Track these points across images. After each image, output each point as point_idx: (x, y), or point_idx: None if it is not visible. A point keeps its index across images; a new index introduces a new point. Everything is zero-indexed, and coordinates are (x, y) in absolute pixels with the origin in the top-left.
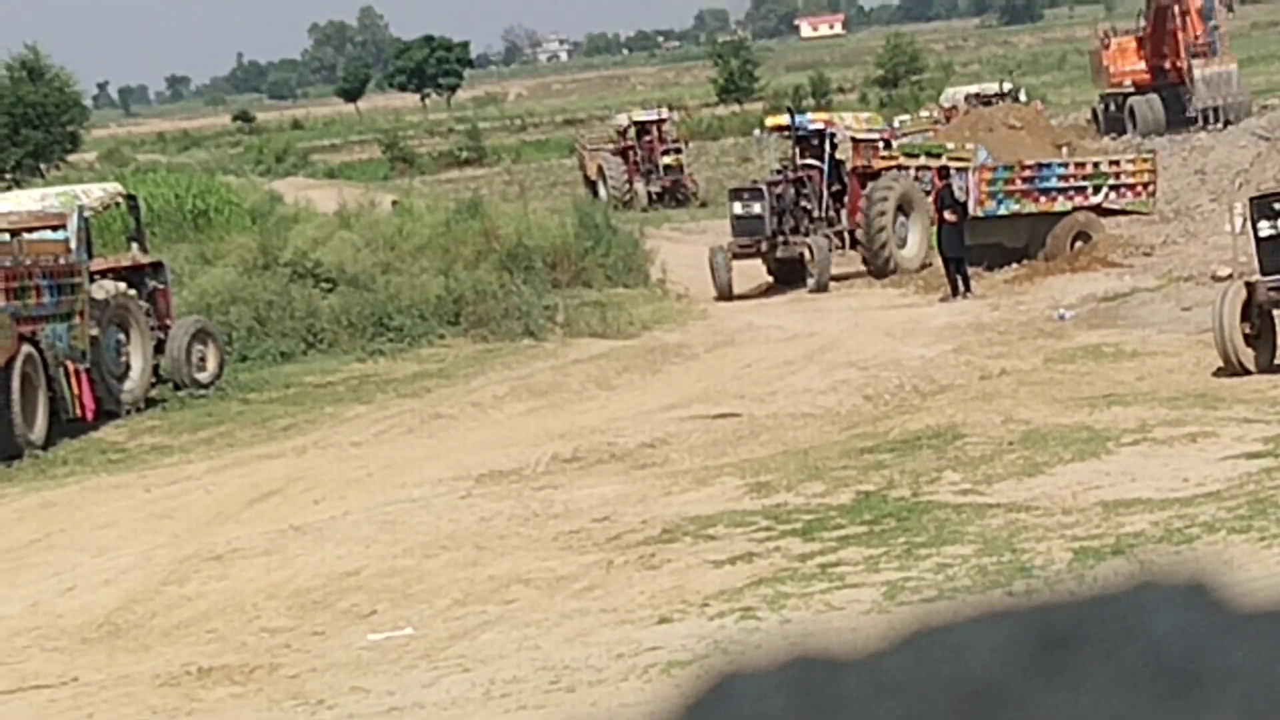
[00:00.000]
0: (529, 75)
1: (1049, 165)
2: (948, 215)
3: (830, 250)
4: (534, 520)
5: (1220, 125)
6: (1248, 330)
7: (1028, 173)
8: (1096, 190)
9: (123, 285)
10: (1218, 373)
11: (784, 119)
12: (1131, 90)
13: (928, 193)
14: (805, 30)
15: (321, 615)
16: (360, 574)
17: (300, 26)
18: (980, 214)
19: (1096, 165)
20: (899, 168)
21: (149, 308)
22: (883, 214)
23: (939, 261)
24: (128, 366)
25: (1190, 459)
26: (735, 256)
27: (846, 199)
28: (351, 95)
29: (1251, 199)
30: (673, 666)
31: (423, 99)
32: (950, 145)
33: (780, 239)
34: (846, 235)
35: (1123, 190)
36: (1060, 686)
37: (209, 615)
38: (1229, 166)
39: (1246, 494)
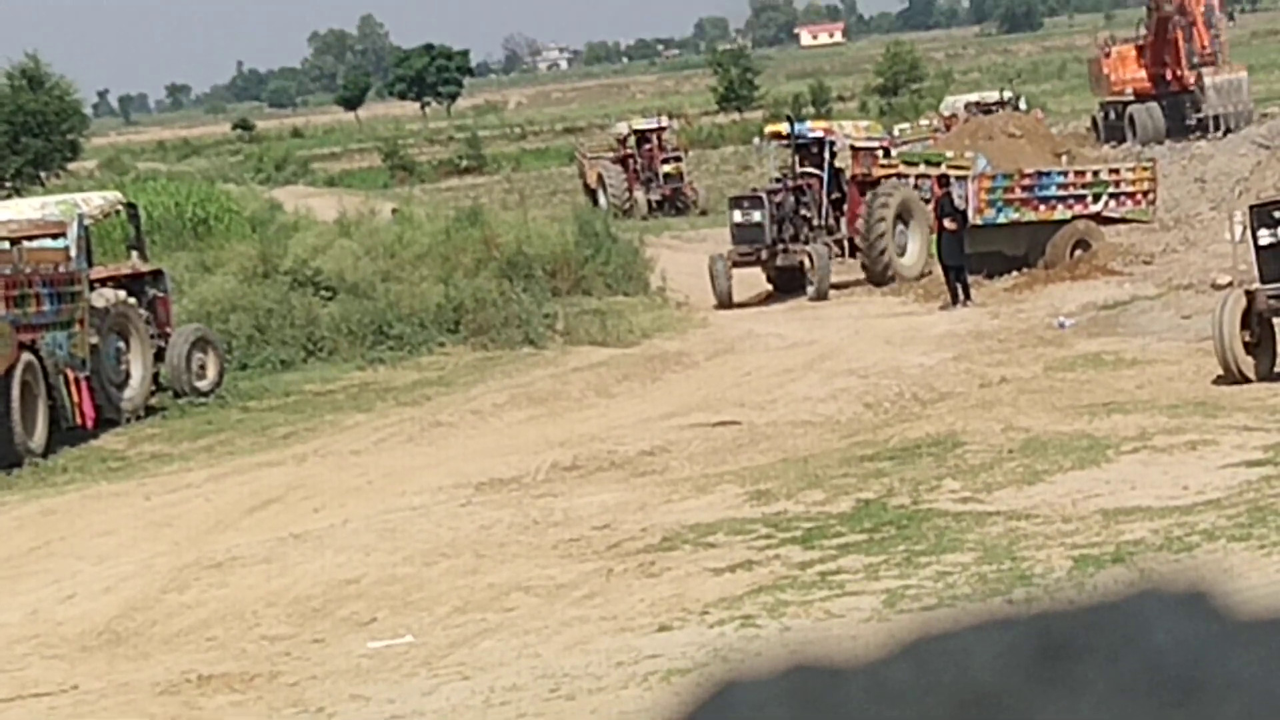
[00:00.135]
0: (529, 83)
1: (1048, 174)
2: (947, 223)
3: (830, 258)
4: (534, 528)
5: (1220, 133)
6: (1247, 338)
7: (1027, 181)
8: (1096, 199)
9: (123, 293)
10: (1218, 381)
11: (784, 127)
12: (1132, 98)
13: (927, 201)
14: (805, 39)
15: (321, 623)
16: (360, 582)
17: (300, 35)
18: (980, 222)
19: (1096, 174)
20: (898, 176)
21: (149, 316)
22: (882, 222)
23: (939, 270)
24: (128, 374)
25: (1190, 467)
26: (735, 264)
27: (846, 207)
28: (351, 103)
29: (1251, 207)
30: (673, 674)
31: (423, 107)
32: (949, 153)
33: (780, 247)
34: (846, 243)
35: (1122, 198)
36: (1060, 695)
37: (209, 623)
38: (1229, 175)
39: (1246, 502)
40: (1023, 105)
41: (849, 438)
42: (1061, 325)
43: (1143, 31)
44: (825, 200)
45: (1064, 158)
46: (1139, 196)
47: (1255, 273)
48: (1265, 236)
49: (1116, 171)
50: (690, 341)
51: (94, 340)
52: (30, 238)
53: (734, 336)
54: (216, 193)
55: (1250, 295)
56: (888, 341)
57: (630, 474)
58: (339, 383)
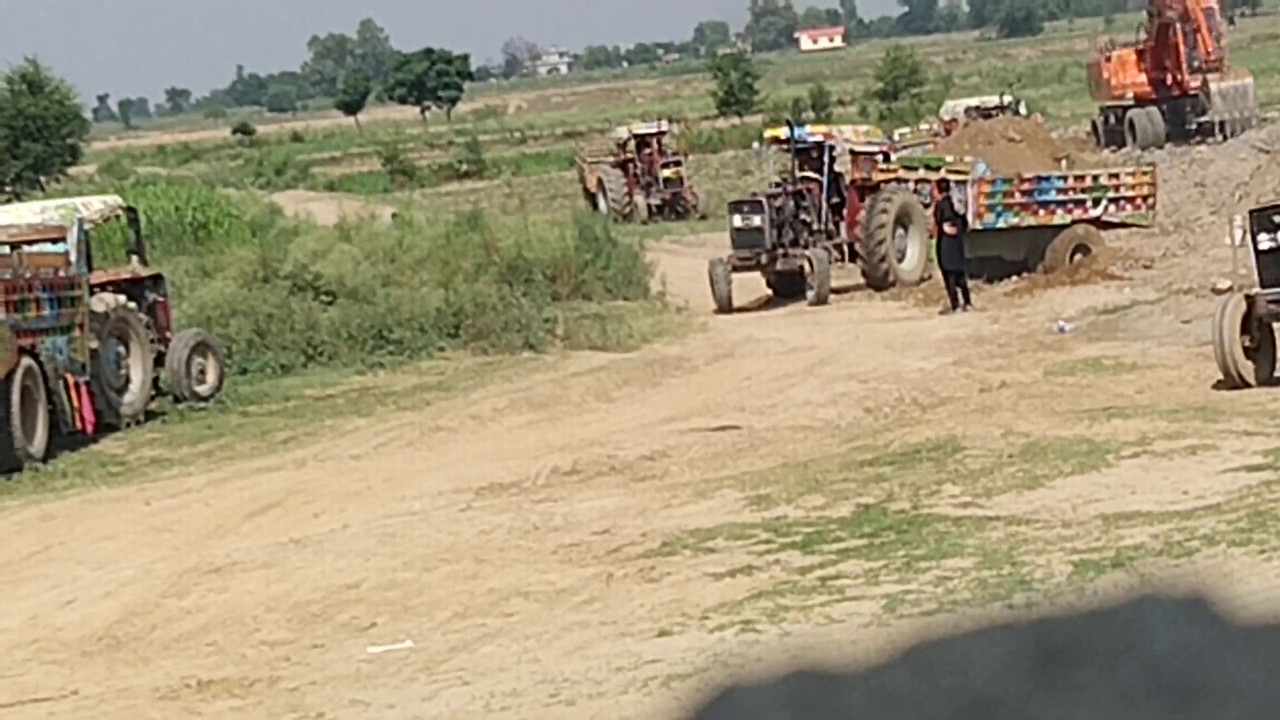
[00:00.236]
0: (529, 88)
1: (1048, 178)
2: (947, 228)
3: (829, 263)
4: (534, 533)
5: (1220, 138)
6: (1247, 343)
7: (1027, 186)
8: (1096, 203)
9: (123, 298)
10: (1217, 385)
11: (783, 132)
12: (1132, 103)
13: (927, 206)
14: (805, 43)
15: (321, 628)
16: (360, 587)
17: (300, 39)
18: (979, 227)
19: (1096, 178)
20: (898, 180)
21: (149, 320)
22: (882, 227)
23: (938, 274)
24: (127, 379)
25: (1190, 472)
26: (735, 269)
27: (845, 212)
28: (351, 108)
29: (1251, 212)
30: (673, 679)
31: (423, 111)
32: (949, 158)
33: (780, 252)
34: (846, 248)
35: (1122, 203)
36: (1060, 701)
37: (209, 628)
38: (1229, 179)
39: (1246, 507)
40: (1023, 110)
41: (849, 442)
42: (1061, 330)
43: (1143, 36)
44: (825, 205)
45: (1063, 162)
46: (1139, 201)
47: (1255, 277)
48: (1265, 241)
49: (1116, 176)
50: (690, 346)
51: (94, 345)
52: (30, 242)
53: (734, 341)
54: (216, 197)
55: (1250, 300)
56: (888, 346)
57: (630, 479)
58: (339, 387)
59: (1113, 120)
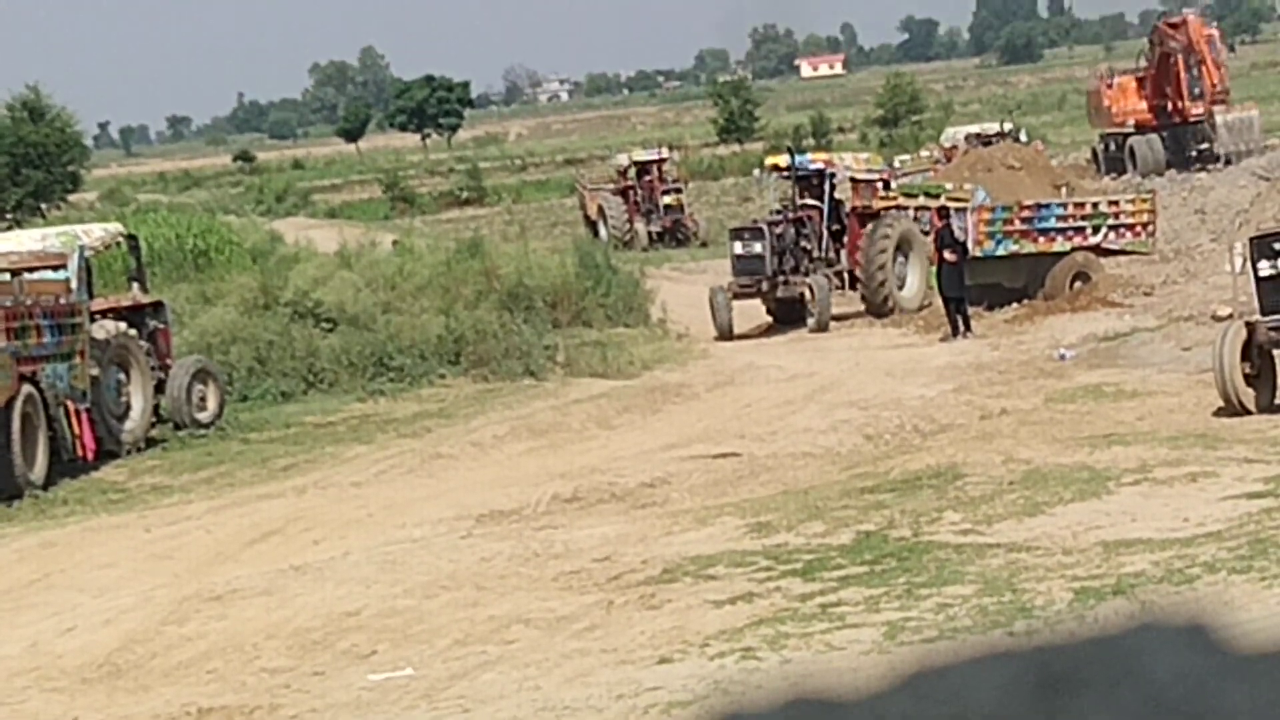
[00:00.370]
0: (529, 115)
1: (1048, 205)
2: (947, 255)
3: (830, 290)
4: (534, 560)
5: (1221, 165)
6: (1248, 370)
7: (1026, 213)
8: (1095, 230)
9: (123, 325)
10: (1218, 412)
11: (784, 159)
12: (1132, 130)
13: (927, 233)
14: (805, 70)
15: (321, 655)
16: (360, 614)
17: (301, 66)
18: (979, 254)
19: (1095, 205)
20: (898, 208)
21: (149, 347)
22: (883, 254)
23: (939, 301)
24: (128, 406)
25: (1191, 499)
26: (736, 296)
27: (846, 239)
28: (352, 135)
29: (1251, 239)
30: (674, 707)
31: (423, 139)
32: (949, 185)
33: (780, 279)
34: (846, 275)
35: (1122, 230)
36: None
37: (209, 655)
38: (1229, 206)
39: (1247, 534)
40: (1023, 137)
41: (849, 470)
42: (1062, 357)
43: (1143, 63)
44: (825, 232)
45: (1063, 189)
46: (1139, 228)
47: (1255, 304)
48: (1265, 268)
49: (1116, 203)
50: (691, 373)
51: (94, 372)
52: (31, 269)
53: (734, 368)
54: (217, 224)
55: (1250, 327)
56: (888, 373)
57: (631, 506)
58: (339, 414)
59: (1113, 147)
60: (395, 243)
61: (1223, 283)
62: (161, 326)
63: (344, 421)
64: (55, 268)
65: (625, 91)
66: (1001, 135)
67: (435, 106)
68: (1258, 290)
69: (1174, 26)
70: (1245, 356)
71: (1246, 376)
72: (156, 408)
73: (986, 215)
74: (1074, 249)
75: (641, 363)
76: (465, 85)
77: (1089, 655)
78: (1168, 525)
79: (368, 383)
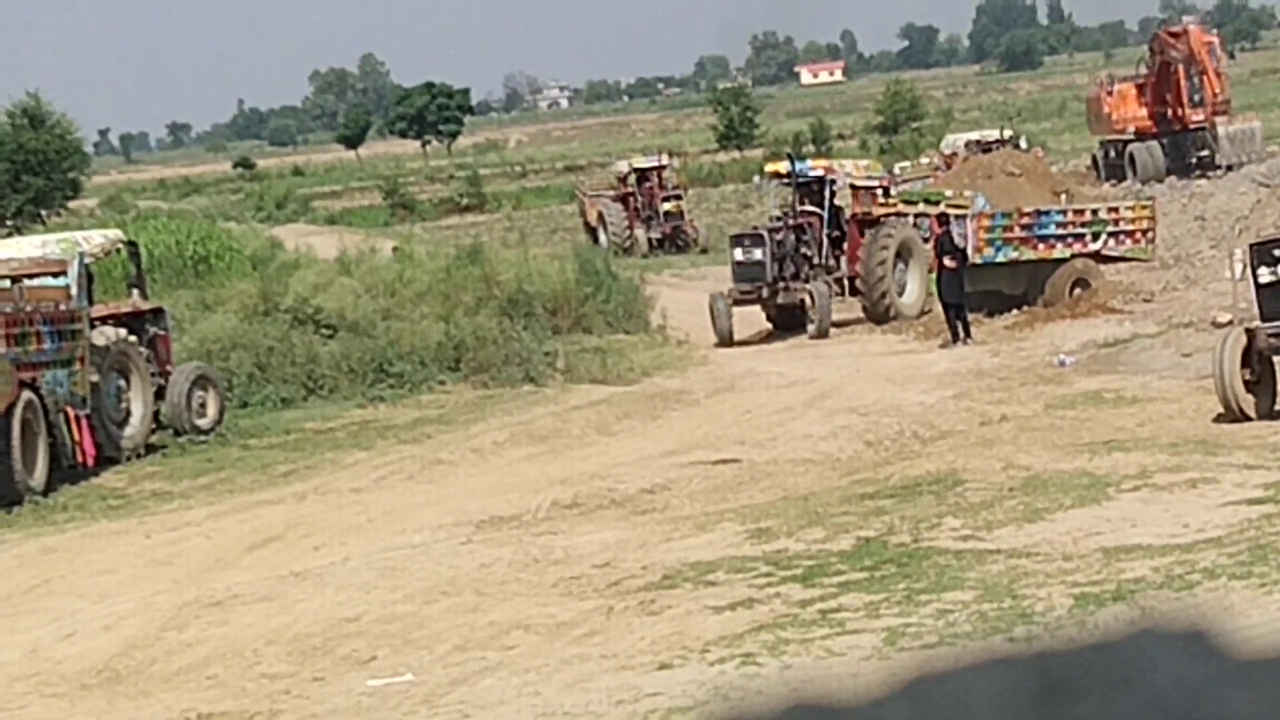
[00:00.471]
0: (530, 122)
1: (1047, 212)
2: (947, 262)
3: (830, 296)
4: (534, 566)
5: (1221, 172)
6: (1248, 376)
7: (1026, 220)
8: (1095, 237)
9: (123, 331)
10: (1218, 419)
11: (784, 166)
12: (1132, 137)
13: (926, 240)
14: (805, 77)
15: (321, 661)
16: (360, 620)
17: (301, 73)
18: (979, 261)
19: (1095, 212)
20: (898, 215)
21: (149, 354)
22: (883, 262)
23: (938, 308)
24: (128, 413)
25: (1191, 505)
26: (736, 303)
27: (846, 246)
28: (352, 142)
29: (1251, 245)
30: (674, 713)
31: (423, 145)
32: (949, 192)
33: (781, 285)
34: (846, 282)
35: (1121, 237)
36: None
37: (209, 661)
38: (1229, 213)
39: (1247, 540)
40: (1023, 144)
41: (849, 475)
42: (1062, 363)
43: (1143, 70)
44: (825, 239)
45: (1063, 196)
46: (1138, 235)
47: (1255, 311)
48: (1265, 274)
49: (1115, 210)
50: (691, 379)
51: (94, 378)
52: (31, 276)
53: (734, 374)
54: (217, 231)
55: (1250, 333)
56: (888, 379)
57: (631, 512)
58: (339, 421)
59: (1113, 154)
60: (395, 249)
61: (1223, 289)
62: (162, 333)
63: (344, 428)
64: (55, 274)
65: (625, 98)
66: (1001, 142)
67: (435, 113)
68: (1258, 297)
69: (1175, 35)
70: (1245, 363)
71: (1246, 383)
72: (157, 414)
73: (986, 222)
74: (1074, 256)
75: (641, 369)
76: (465, 92)
77: (1089, 661)
78: (1168, 531)
79: (368, 389)
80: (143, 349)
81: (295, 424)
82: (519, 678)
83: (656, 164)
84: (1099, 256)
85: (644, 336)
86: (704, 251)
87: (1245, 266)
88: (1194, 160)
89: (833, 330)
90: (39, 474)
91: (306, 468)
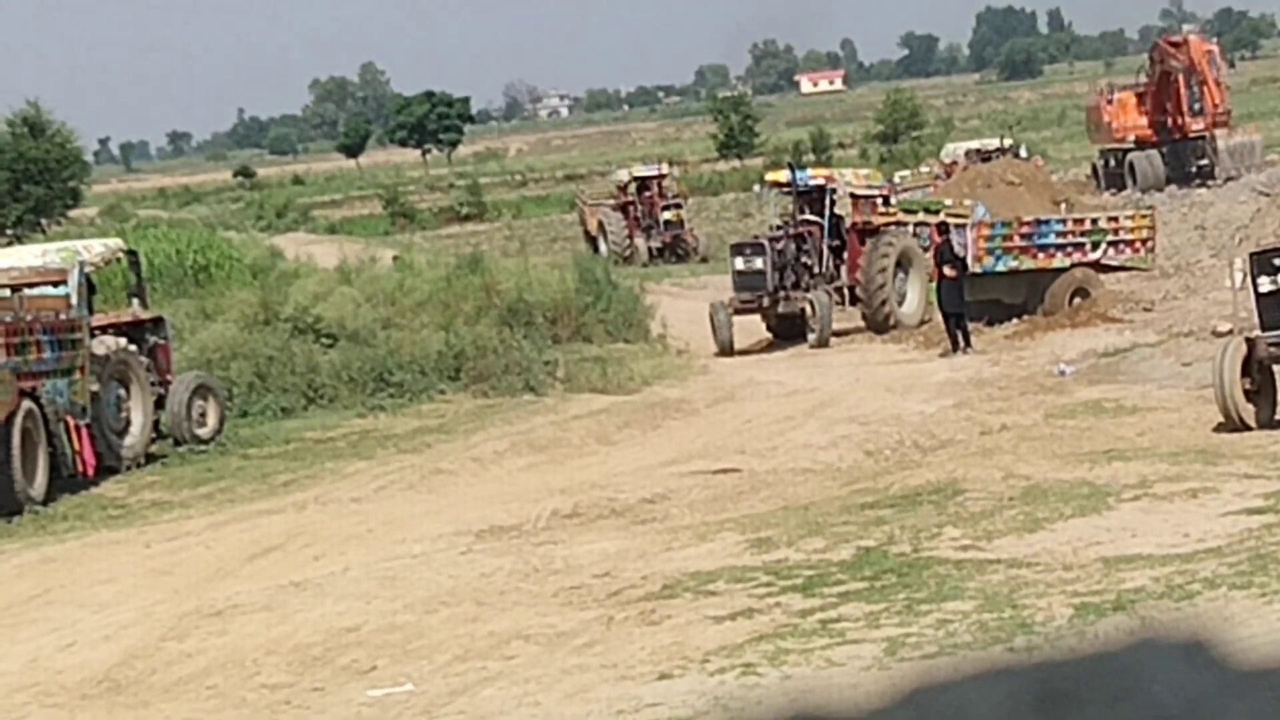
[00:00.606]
0: (530, 130)
1: (1047, 222)
2: (947, 270)
3: (831, 305)
4: (534, 576)
5: (1220, 181)
6: (1248, 386)
7: (1026, 229)
8: (1095, 246)
9: (123, 341)
10: (1218, 428)
11: (784, 174)
12: (1132, 146)
13: (926, 249)
14: (805, 86)
15: (321, 671)
16: (360, 630)
17: (301, 82)
18: (979, 270)
19: (1095, 221)
20: (898, 224)
21: (149, 363)
22: (883, 270)
23: (939, 317)
24: (128, 422)
25: (1191, 514)
26: (736, 312)
27: (846, 255)
28: (352, 151)
29: (1251, 254)
30: None
31: (424, 154)
32: (949, 201)
33: (781, 294)
34: (846, 291)
35: (1121, 246)
36: None
37: (209, 671)
38: (1229, 222)
39: (1247, 550)
40: (1023, 152)
41: (850, 485)
42: (1062, 372)
43: (1143, 79)
44: (826, 248)
45: (1063, 205)
46: (1138, 244)
47: (1255, 320)
48: (1265, 284)
49: (1115, 219)
50: (691, 389)
51: (95, 388)
52: (31, 285)
53: (735, 384)
54: (217, 240)
55: (1251, 342)
56: (888, 389)
57: (631, 521)
58: (339, 430)
59: (1113, 163)
60: (395, 258)
61: (1223, 298)
62: (162, 342)
63: (344, 437)
64: (55, 283)
65: (625, 107)
66: (1001, 151)
67: (435, 122)
68: (1258, 306)
69: (1175, 45)
70: (1245, 372)
71: (1247, 392)
72: (156, 423)
73: (986, 231)
74: (1073, 265)
75: (641, 378)
76: (465, 101)
77: (1089, 671)
78: (1168, 541)
79: (368, 398)
80: (143, 358)
81: (295, 433)
82: (519, 688)
83: (657, 173)
84: (1099, 266)
85: (644, 346)
86: (704, 260)
87: (1245, 275)
88: (1194, 169)
89: (833, 339)
90: (39, 483)
91: (306, 477)
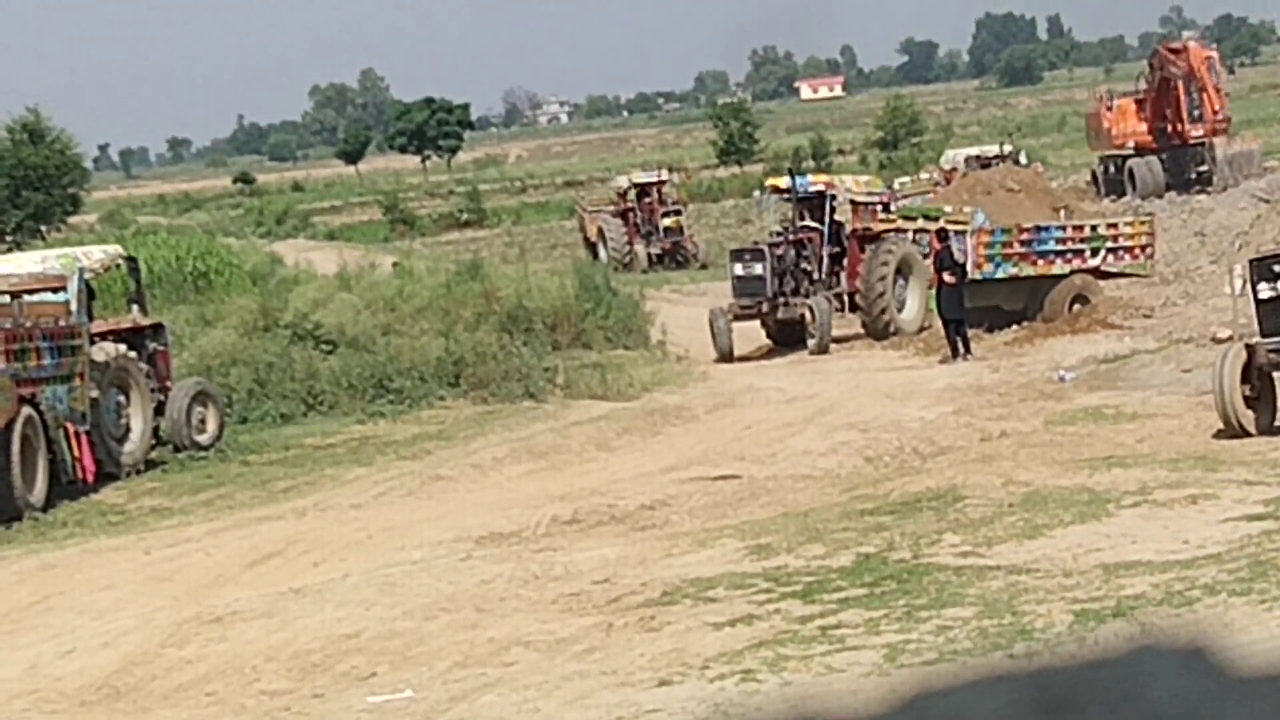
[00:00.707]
0: (529, 137)
1: (1047, 228)
2: (946, 276)
3: (831, 312)
4: (534, 582)
5: (1221, 188)
6: (1248, 392)
7: (1025, 236)
8: (1094, 253)
9: (123, 347)
10: (1218, 435)
11: (784, 181)
12: (1132, 152)
13: (926, 255)
14: (805, 92)
15: (321, 678)
16: (360, 636)
17: (301, 88)
18: (978, 277)
19: (1094, 228)
20: (898, 230)
21: (149, 370)
22: (883, 277)
23: (938, 323)
24: (128, 428)
25: (1191, 521)
26: (736, 318)
27: (846, 261)
28: (352, 157)
29: (1251, 261)
30: None
31: (423, 161)
32: (948, 208)
33: (781, 300)
34: (846, 297)
35: (1120, 253)
36: None
37: (209, 678)
38: (1228, 229)
39: (1247, 556)
40: (1023, 159)
41: (849, 492)
42: (1062, 379)
43: (1142, 85)
44: (825, 254)
45: (1062, 212)
46: (1137, 251)
47: (1255, 326)
48: (1265, 290)
49: (1114, 226)
50: (690, 395)
51: (94, 394)
52: (31, 291)
53: (734, 390)
54: (217, 246)
55: (1250, 349)
56: (888, 395)
57: (630, 528)
58: (339, 436)
59: (1112, 170)
60: (395, 265)
61: (1222, 305)
62: (161, 349)
63: (344, 444)
64: (55, 290)
65: (625, 114)
66: (1001, 158)
67: (435, 128)
68: (1257, 312)
69: (1174, 52)
70: (1245, 379)
71: (1246, 399)
72: (156, 430)
73: (986, 238)
74: (1073, 272)
75: (641, 385)
76: (465, 107)
77: (1089, 677)
78: (1168, 547)
79: (367, 405)
80: (142, 365)
81: (295, 440)
82: (519, 694)
83: (656, 179)
84: (1098, 272)
85: (644, 352)
86: (704, 267)
87: (1245, 282)
88: (1193, 175)
89: (832, 346)
90: (38, 490)
91: (306, 484)
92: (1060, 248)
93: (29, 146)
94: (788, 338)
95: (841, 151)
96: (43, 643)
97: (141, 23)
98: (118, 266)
